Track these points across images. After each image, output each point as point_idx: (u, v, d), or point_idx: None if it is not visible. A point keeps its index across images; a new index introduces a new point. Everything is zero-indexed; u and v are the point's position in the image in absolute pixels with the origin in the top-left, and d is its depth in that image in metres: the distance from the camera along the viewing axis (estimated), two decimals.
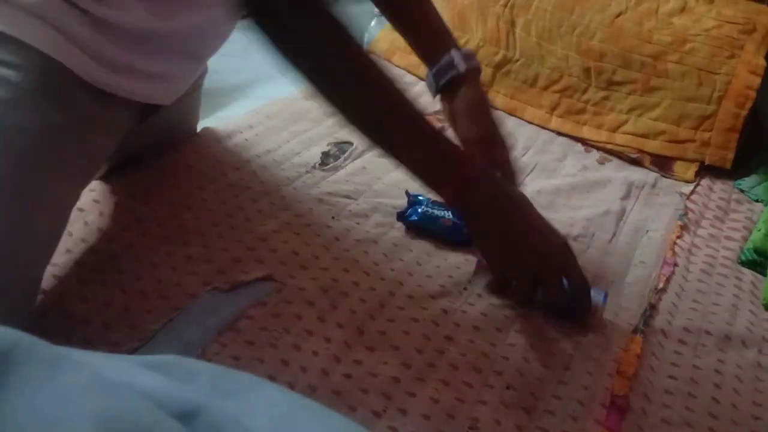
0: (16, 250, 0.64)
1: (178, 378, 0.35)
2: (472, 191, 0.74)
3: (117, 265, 0.77)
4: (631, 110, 1.27)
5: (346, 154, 1.09)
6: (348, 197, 0.98)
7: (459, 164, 0.74)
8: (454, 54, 0.87)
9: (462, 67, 0.86)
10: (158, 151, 0.98)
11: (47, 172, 0.68)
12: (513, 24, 1.38)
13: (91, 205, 0.86)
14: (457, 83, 0.87)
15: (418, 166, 0.75)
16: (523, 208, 0.78)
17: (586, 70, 1.29)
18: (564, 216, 1.02)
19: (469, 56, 0.88)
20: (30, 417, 0.25)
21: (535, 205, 1.02)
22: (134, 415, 0.26)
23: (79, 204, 0.85)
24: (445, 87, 0.88)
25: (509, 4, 1.39)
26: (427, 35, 0.91)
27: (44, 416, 0.25)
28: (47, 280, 0.74)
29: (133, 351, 0.66)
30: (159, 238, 0.82)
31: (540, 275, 0.75)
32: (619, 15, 1.32)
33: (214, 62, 0.98)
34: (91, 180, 0.80)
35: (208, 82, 1.07)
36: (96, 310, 0.71)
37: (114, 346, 0.67)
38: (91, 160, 0.77)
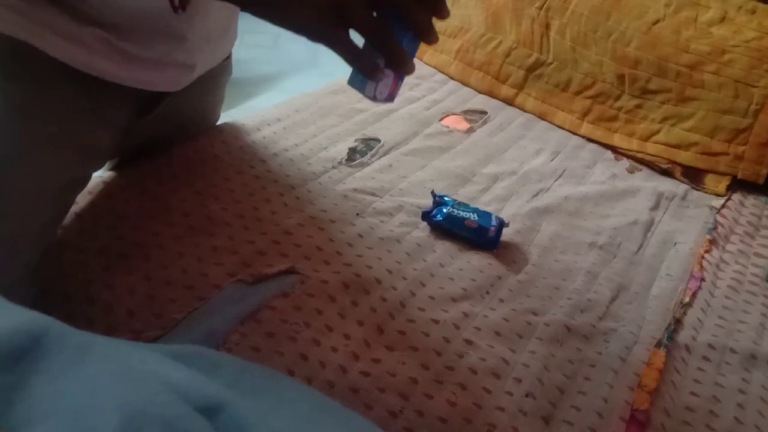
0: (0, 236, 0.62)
1: (202, 370, 0.35)
2: None
3: (143, 252, 0.78)
4: (664, 120, 1.25)
5: (372, 151, 1.09)
6: (373, 194, 0.98)
7: None
8: None
9: None
10: (173, 143, 0.98)
11: (28, 156, 0.66)
12: (548, 27, 1.36)
13: (117, 192, 0.87)
14: None
15: None
16: None
17: (620, 77, 1.27)
18: (591, 224, 1.01)
19: None
20: (57, 403, 0.25)
21: (562, 212, 1.02)
22: (159, 408, 0.26)
23: (106, 190, 0.87)
24: None
25: (545, 7, 1.38)
26: None
27: (71, 403, 0.25)
28: (72, 265, 0.75)
29: (155, 339, 0.67)
30: (185, 228, 0.83)
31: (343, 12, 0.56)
32: (656, 22, 1.29)
33: (244, 53, 0.98)
34: (91, 168, 0.79)
35: (237, 72, 1.07)
36: (120, 297, 0.72)
37: (137, 334, 0.67)
38: (85, 147, 0.75)
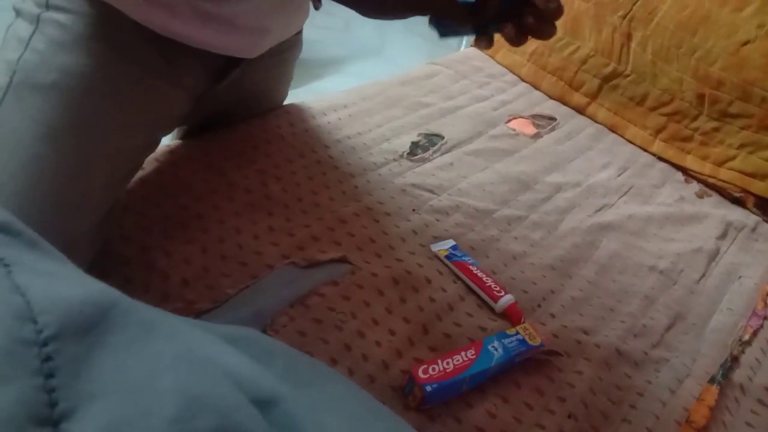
0: (69, 191, 0.64)
1: (256, 357, 0.35)
2: None
3: (202, 224, 0.79)
4: (741, 146, 1.19)
5: (435, 147, 1.08)
6: (431, 191, 0.97)
7: None
8: None
9: None
10: (238, 118, 0.99)
11: (102, 114, 0.67)
12: (629, 37, 1.32)
13: (184, 162, 0.88)
14: None
15: None
16: None
17: (700, 97, 1.22)
18: (653, 246, 0.97)
19: None
20: (118, 381, 0.25)
21: (624, 231, 0.99)
22: (216, 396, 0.26)
23: (173, 159, 0.88)
24: None
25: (628, 16, 1.33)
26: None
27: (131, 382, 0.25)
28: (134, 229, 0.77)
29: (206, 311, 0.68)
30: (245, 205, 0.84)
31: None
32: (746, 44, 1.23)
33: (314, 34, 0.98)
34: (161, 132, 0.80)
35: (305, 53, 1.07)
36: (176, 265, 0.73)
37: (189, 304, 0.68)
38: (158, 110, 0.76)
